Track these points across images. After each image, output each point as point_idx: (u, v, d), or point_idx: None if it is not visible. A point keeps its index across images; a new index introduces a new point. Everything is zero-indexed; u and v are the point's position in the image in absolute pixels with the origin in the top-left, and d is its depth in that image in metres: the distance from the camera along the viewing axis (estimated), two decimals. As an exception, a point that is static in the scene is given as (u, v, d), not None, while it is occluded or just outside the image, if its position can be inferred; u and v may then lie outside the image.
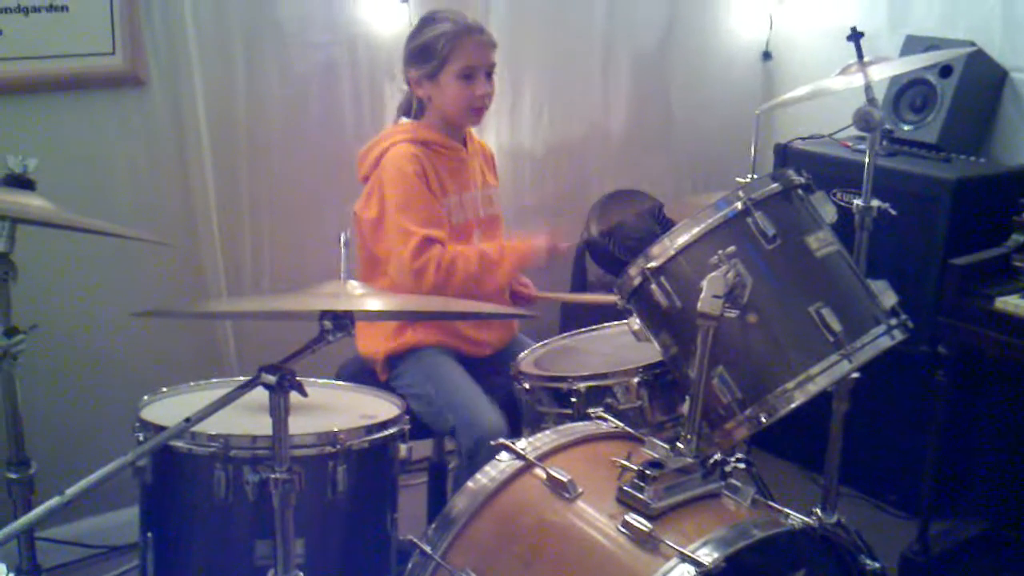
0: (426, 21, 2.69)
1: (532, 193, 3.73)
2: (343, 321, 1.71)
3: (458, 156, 2.73)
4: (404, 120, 2.76)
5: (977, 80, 3.38)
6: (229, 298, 3.12)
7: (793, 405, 1.88)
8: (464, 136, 2.78)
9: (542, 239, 2.72)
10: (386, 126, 2.87)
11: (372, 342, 2.73)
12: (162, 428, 2.00)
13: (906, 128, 3.45)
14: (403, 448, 2.20)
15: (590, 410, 2.30)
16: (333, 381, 2.53)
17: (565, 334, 2.80)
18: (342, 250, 1.95)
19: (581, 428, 2.16)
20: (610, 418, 2.23)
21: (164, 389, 2.31)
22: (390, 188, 2.59)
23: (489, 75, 2.67)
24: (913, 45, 3.46)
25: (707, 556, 1.68)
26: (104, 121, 2.89)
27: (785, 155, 3.58)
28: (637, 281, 1.98)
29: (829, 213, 2.02)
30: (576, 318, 3.35)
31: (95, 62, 2.81)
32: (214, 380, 2.42)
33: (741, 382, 1.90)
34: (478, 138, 2.91)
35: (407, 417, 2.25)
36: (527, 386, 2.45)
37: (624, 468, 1.88)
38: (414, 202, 2.58)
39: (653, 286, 1.95)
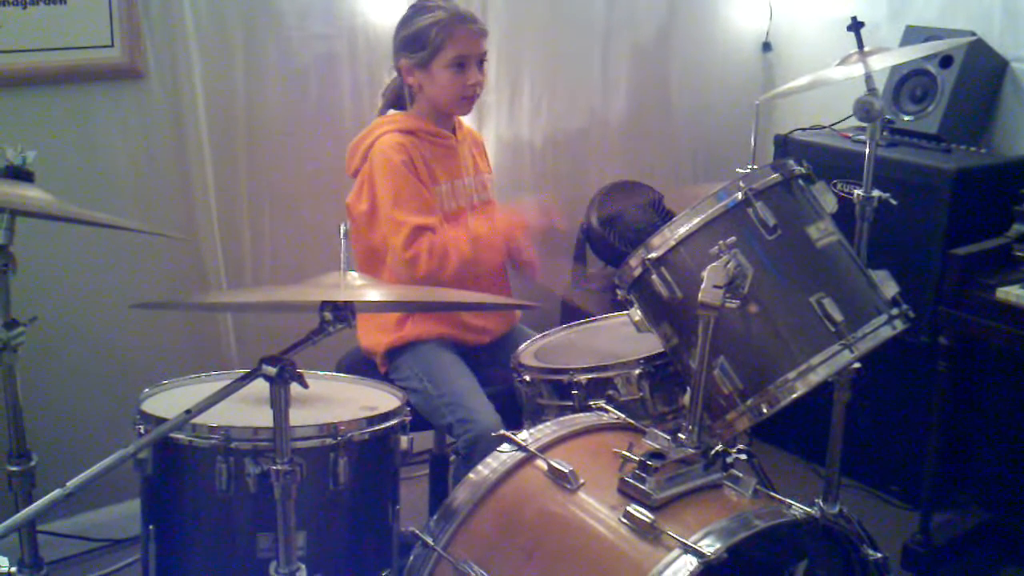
0: (417, 9, 2.67)
1: (531, 185, 3.72)
2: (343, 312, 1.71)
3: (447, 144, 2.72)
4: (392, 111, 2.75)
5: (977, 70, 3.37)
6: (229, 290, 3.12)
7: (794, 395, 1.87)
8: (453, 124, 2.77)
9: (534, 215, 2.71)
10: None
11: (372, 335, 2.73)
12: (163, 420, 2.00)
13: (906, 118, 3.45)
14: (404, 440, 2.20)
15: (591, 402, 2.31)
16: (334, 373, 2.53)
17: (565, 325, 2.80)
18: (342, 241, 1.95)
19: (582, 419, 2.16)
20: (611, 409, 2.23)
21: (165, 381, 2.31)
22: (380, 179, 2.58)
23: (481, 63, 2.66)
24: (913, 35, 3.45)
25: (709, 547, 1.68)
26: (103, 113, 2.89)
27: (785, 145, 3.57)
28: (638, 272, 1.97)
29: (830, 203, 2.02)
30: (577, 310, 3.35)
31: (93, 55, 2.81)
32: (215, 372, 2.42)
33: (742, 372, 1.89)
34: (468, 126, 2.90)
35: (408, 409, 2.25)
36: (527, 378, 2.44)
37: (626, 459, 1.88)
38: (404, 191, 2.57)
39: (654, 277, 1.94)
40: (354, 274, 1.88)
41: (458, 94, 2.64)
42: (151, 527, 2.12)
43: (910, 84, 3.48)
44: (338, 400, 2.28)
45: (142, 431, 2.11)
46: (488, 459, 2.04)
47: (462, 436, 2.48)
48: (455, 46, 2.60)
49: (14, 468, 2.08)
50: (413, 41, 2.63)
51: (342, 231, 1.98)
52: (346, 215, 2.71)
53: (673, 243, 1.92)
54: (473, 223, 2.66)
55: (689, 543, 1.69)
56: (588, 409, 2.27)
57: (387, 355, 2.71)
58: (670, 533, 1.73)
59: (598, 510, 1.87)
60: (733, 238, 1.88)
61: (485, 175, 2.86)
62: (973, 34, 3.30)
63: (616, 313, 2.71)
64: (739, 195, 1.91)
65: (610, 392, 2.33)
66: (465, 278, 2.59)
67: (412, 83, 2.68)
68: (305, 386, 1.71)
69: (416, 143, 2.63)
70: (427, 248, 2.53)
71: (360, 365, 2.74)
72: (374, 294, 1.88)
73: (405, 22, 2.68)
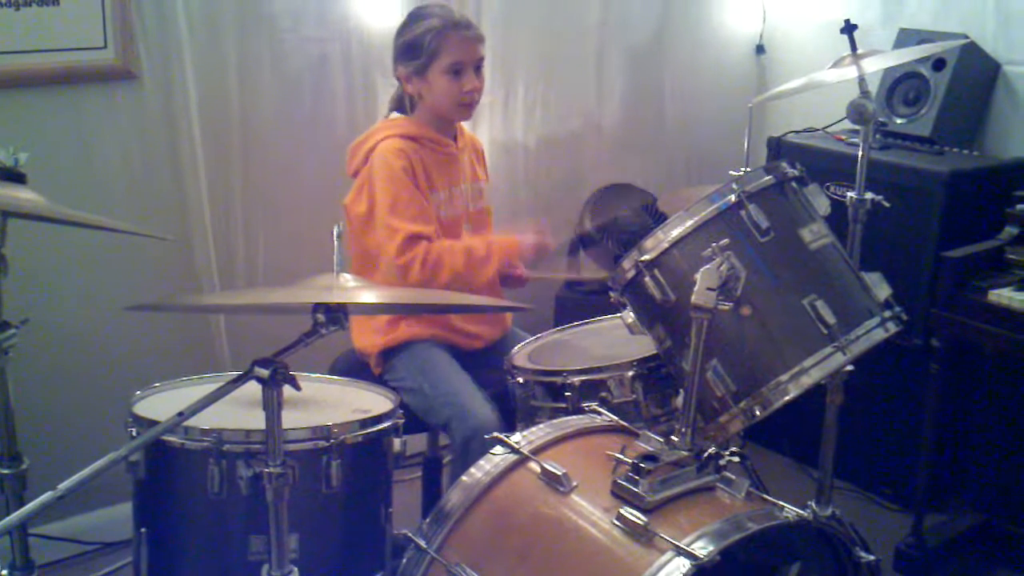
0: (413, 17, 2.68)
1: (525, 187, 3.73)
2: (336, 314, 1.71)
3: (448, 151, 2.72)
4: (395, 115, 2.76)
5: (970, 73, 3.38)
6: (222, 292, 3.12)
7: (787, 398, 1.87)
8: (455, 131, 2.78)
9: (530, 236, 2.71)
10: (378, 121, 2.87)
11: (366, 336, 2.73)
12: (155, 423, 2.00)
13: (899, 121, 3.45)
14: (397, 442, 2.19)
15: (584, 404, 2.31)
16: (326, 375, 2.52)
17: (559, 328, 2.80)
18: (335, 243, 1.94)
19: (575, 422, 2.16)
20: (605, 412, 2.23)
21: (157, 384, 2.30)
22: (378, 184, 2.59)
23: (478, 69, 2.67)
24: (906, 38, 3.46)
25: (702, 549, 1.68)
26: (96, 115, 2.88)
27: (778, 148, 3.58)
28: (631, 274, 1.97)
29: (823, 206, 2.02)
30: (570, 312, 3.35)
31: (86, 56, 2.80)
32: (207, 374, 2.41)
33: (735, 375, 1.89)
34: (469, 132, 2.91)
35: (401, 411, 2.24)
36: (521, 380, 2.44)
37: (619, 461, 1.88)
38: (401, 198, 2.57)
39: (647, 279, 1.94)
40: (347, 276, 1.88)
41: (456, 100, 2.65)
42: (143, 530, 2.11)
43: (903, 87, 3.48)
44: (331, 402, 2.28)
45: (134, 434, 2.10)
46: (481, 461, 2.04)
47: (458, 432, 2.48)
48: (450, 53, 2.60)
49: (5, 471, 2.08)
50: (409, 49, 2.64)
51: (335, 233, 1.98)
52: (341, 216, 2.71)
53: (666, 245, 1.92)
54: (471, 241, 2.66)
55: (682, 545, 1.69)
56: (581, 411, 2.27)
57: (381, 356, 2.71)
58: (663, 535, 1.73)
59: (591, 512, 1.87)
60: (726, 240, 1.88)
61: (482, 183, 2.86)
62: (966, 37, 3.31)
63: (609, 315, 2.71)
64: (732, 197, 1.91)
65: (603, 394, 2.33)
66: (455, 290, 2.59)
67: (411, 91, 2.69)
68: (298, 388, 1.71)
69: (417, 149, 2.64)
70: (421, 257, 2.53)
71: (353, 367, 2.74)
72: (367, 296, 1.88)
73: (402, 31, 2.69)
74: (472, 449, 2.38)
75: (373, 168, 2.61)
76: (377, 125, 2.75)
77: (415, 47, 2.62)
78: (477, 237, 2.70)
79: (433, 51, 2.60)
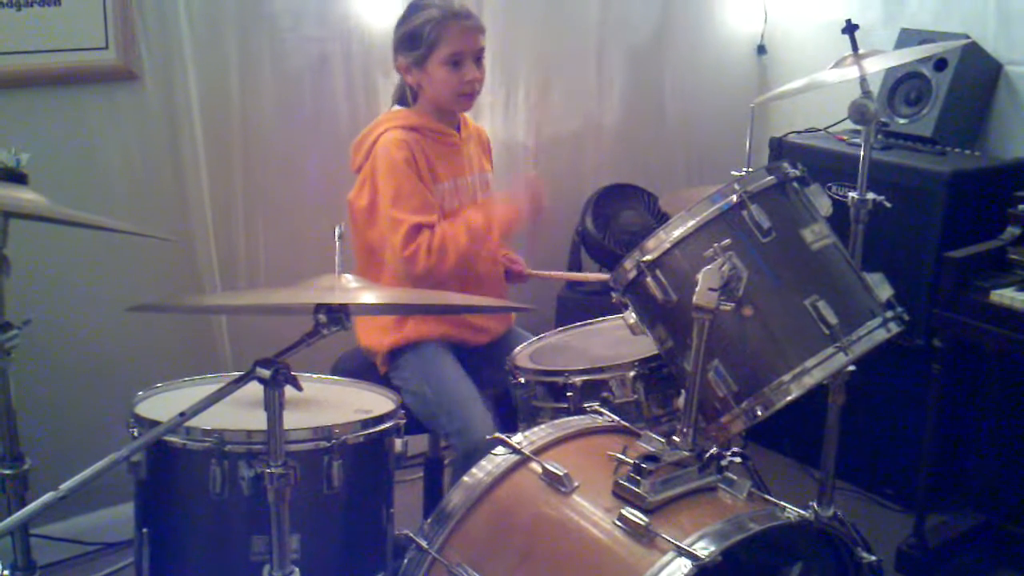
0: (413, 7, 2.67)
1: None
2: (338, 315, 1.71)
3: (451, 141, 2.72)
4: (396, 107, 2.76)
5: (972, 73, 3.38)
6: (223, 292, 3.12)
7: (789, 398, 1.87)
8: (458, 121, 2.77)
9: (522, 195, 2.69)
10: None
11: (373, 335, 2.73)
12: (157, 423, 2.00)
13: (901, 122, 3.45)
14: (399, 443, 2.19)
15: (586, 404, 2.31)
16: (328, 376, 2.52)
17: (560, 328, 2.80)
18: (336, 243, 1.94)
19: (577, 422, 2.16)
20: (606, 412, 2.23)
21: (158, 384, 2.30)
22: (381, 177, 2.58)
23: (479, 60, 2.66)
24: (908, 38, 3.46)
25: (703, 549, 1.68)
26: (97, 116, 2.88)
27: (780, 148, 3.58)
28: (632, 274, 1.97)
29: (824, 206, 2.02)
30: (572, 312, 3.35)
31: (88, 57, 2.80)
32: (209, 375, 2.41)
33: (737, 375, 1.89)
34: (474, 124, 2.90)
35: (402, 412, 2.24)
36: (522, 380, 2.44)
37: (620, 462, 1.88)
38: (404, 190, 2.57)
39: (648, 279, 1.94)
40: (349, 277, 1.88)
41: (455, 91, 2.64)
42: (145, 530, 2.11)
43: (905, 87, 3.48)
44: (332, 403, 2.28)
45: (136, 434, 2.10)
46: (483, 462, 2.04)
47: (459, 445, 2.49)
48: (449, 43, 2.60)
49: (7, 471, 2.08)
50: (409, 40, 2.64)
51: (337, 233, 1.98)
52: (344, 215, 2.71)
53: (668, 246, 1.92)
54: (468, 215, 2.65)
55: (683, 546, 1.69)
56: (583, 411, 2.27)
57: (389, 355, 2.71)
58: (664, 536, 1.73)
59: (592, 513, 1.86)
60: (728, 241, 1.88)
61: (489, 174, 2.86)
62: (967, 37, 3.31)
63: (611, 316, 2.71)
64: (734, 198, 1.91)
65: (605, 394, 2.33)
66: (463, 275, 2.59)
67: (411, 82, 2.68)
68: (299, 389, 1.70)
69: (420, 140, 2.63)
70: (425, 245, 2.53)
71: (355, 367, 2.74)
72: (368, 297, 1.88)
73: (402, 21, 2.68)
74: (472, 462, 2.37)
75: (376, 160, 2.60)
76: (379, 118, 2.74)
77: (415, 38, 2.62)
78: (477, 213, 2.67)
79: (432, 41, 2.60)
